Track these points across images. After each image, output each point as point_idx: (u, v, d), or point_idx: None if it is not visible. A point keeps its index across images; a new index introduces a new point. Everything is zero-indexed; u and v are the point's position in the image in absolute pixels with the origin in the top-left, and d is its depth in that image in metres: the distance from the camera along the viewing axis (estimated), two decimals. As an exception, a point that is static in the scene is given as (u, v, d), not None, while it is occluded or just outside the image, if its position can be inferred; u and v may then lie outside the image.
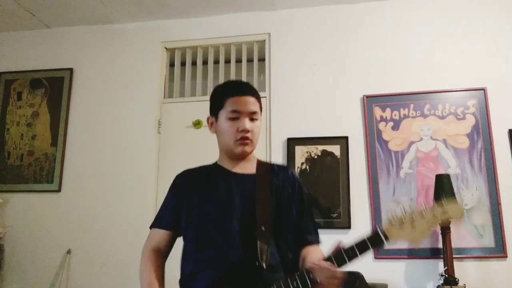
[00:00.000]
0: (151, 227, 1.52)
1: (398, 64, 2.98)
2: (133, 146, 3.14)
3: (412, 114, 2.87)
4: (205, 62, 3.36)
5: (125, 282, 2.90)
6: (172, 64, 3.41)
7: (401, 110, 2.88)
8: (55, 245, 3.03)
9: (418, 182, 2.75)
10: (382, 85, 2.94)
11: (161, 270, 1.47)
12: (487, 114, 2.76)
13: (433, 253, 2.61)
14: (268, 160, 1.62)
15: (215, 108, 1.51)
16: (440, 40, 2.96)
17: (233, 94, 1.46)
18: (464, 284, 2.40)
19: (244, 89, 1.49)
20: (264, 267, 1.27)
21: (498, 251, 2.57)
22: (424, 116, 2.84)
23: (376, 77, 2.97)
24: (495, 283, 2.54)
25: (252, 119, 1.44)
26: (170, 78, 3.39)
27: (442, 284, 2.40)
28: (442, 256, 2.50)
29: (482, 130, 2.76)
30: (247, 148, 1.43)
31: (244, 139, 1.41)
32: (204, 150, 3.09)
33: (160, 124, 3.18)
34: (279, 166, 1.55)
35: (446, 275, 2.40)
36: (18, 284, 3.01)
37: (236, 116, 1.43)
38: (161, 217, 1.50)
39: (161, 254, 1.48)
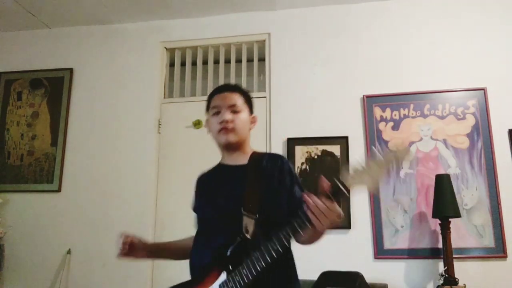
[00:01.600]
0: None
1: (398, 64, 2.98)
2: (133, 146, 3.14)
3: (412, 114, 2.87)
4: (205, 62, 3.36)
5: (125, 282, 2.90)
6: (172, 64, 3.40)
7: (401, 110, 2.88)
8: (55, 245, 3.03)
9: (418, 182, 2.75)
10: (382, 85, 2.94)
11: (184, 243, 1.73)
12: (487, 114, 2.76)
13: (433, 253, 2.61)
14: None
15: (206, 111, 1.63)
16: (440, 40, 2.96)
17: (214, 93, 1.60)
18: (464, 284, 2.40)
19: (223, 87, 1.63)
20: (249, 238, 1.35)
21: (498, 251, 2.57)
22: (424, 116, 2.84)
23: (376, 77, 2.97)
24: (495, 283, 2.54)
25: (234, 112, 1.54)
26: (170, 78, 3.39)
27: (442, 284, 2.40)
28: (442, 256, 2.50)
29: (482, 130, 2.76)
30: (230, 137, 1.52)
31: (224, 128, 1.51)
32: (204, 150, 3.09)
33: (160, 124, 3.18)
34: (270, 155, 1.66)
35: (446, 275, 2.40)
36: (18, 284, 3.01)
37: (217, 110, 1.55)
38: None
39: None
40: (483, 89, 2.81)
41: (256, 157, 1.57)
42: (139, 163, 3.10)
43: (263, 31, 3.23)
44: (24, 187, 3.18)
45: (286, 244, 1.27)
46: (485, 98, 2.79)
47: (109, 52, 3.37)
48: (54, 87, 3.34)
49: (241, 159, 1.56)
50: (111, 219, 3.02)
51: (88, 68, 3.36)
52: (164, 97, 3.29)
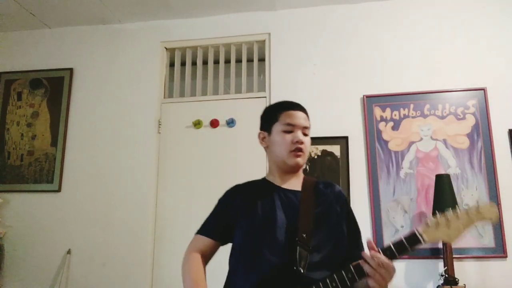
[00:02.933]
0: (197, 233, 1.56)
1: (398, 64, 2.98)
2: (133, 146, 3.14)
3: (412, 114, 2.87)
4: (205, 62, 3.36)
5: (125, 282, 2.90)
6: (172, 64, 3.40)
7: (401, 110, 2.88)
8: (55, 245, 3.03)
9: (418, 182, 2.75)
10: (382, 85, 2.94)
11: (204, 270, 1.50)
12: (487, 114, 2.77)
13: (433, 253, 2.61)
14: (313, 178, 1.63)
15: (269, 122, 1.56)
16: (440, 40, 2.96)
17: (287, 109, 1.53)
18: (464, 284, 2.40)
19: (297, 105, 1.57)
20: (302, 271, 1.30)
21: (498, 251, 2.57)
22: (424, 116, 2.84)
23: (376, 77, 2.97)
24: (495, 283, 2.54)
25: (304, 134, 1.50)
26: (170, 78, 3.39)
27: (442, 284, 2.40)
28: (442, 256, 2.51)
29: (482, 130, 2.76)
30: (300, 160, 1.48)
31: (298, 150, 1.47)
32: (204, 150, 3.11)
33: (160, 124, 3.18)
34: (325, 183, 1.57)
35: (446, 275, 2.40)
36: (18, 284, 3.01)
37: (290, 129, 1.49)
38: (208, 226, 1.55)
39: (203, 258, 1.52)
40: (483, 89, 2.81)
41: (310, 182, 1.53)
42: (139, 163, 3.10)
43: (263, 31, 3.23)
44: (24, 187, 3.18)
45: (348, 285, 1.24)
46: (485, 98, 2.79)
47: (109, 52, 3.37)
48: (54, 87, 3.34)
49: (295, 183, 1.51)
50: (111, 219, 3.02)
51: (88, 68, 3.36)
52: (164, 97, 3.29)
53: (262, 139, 1.58)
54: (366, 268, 1.22)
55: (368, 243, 1.26)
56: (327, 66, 3.05)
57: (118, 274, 2.92)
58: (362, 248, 1.46)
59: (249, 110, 3.07)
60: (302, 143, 1.47)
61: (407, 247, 1.24)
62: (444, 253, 2.46)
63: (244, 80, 3.24)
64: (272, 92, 3.08)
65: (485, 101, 2.79)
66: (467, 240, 2.61)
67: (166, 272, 2.92)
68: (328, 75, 3.04)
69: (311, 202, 1.44)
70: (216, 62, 3.34)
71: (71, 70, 3.36)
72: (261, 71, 3.28)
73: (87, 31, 3.44)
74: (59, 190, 3.13)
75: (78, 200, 3.10)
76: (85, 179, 3.13)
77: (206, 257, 1.52)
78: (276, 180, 1.53)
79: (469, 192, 2.67)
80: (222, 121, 3.11)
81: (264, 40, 3.22)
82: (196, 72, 3.36)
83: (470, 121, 2.79)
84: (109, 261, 2.96)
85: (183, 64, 3.41)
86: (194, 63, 3.40)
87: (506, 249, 2.57)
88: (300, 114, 1.52)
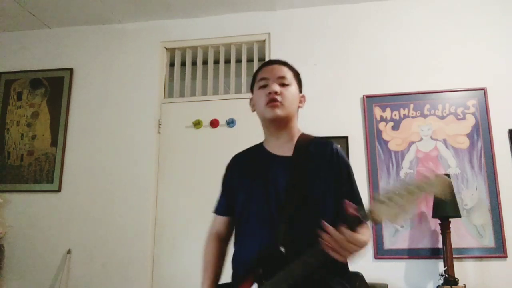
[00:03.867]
0: (213, 212, 1.60)
1: (398, 64, 2.98)
2: (133, 146, 3.14)
3: (412, 114, 2.87)
4: (205, 62, 3.36)
5: (125, 282, 2.90)
6: (172, 64, 3.40)
7: (401, 110, 2.88)
8: (55, 245, 3.03)
9: (418, 182, 2.74)
10: (382, 85, 2.94)
11: (220, 251, 1.53)
12: (487, 114, 2.76)
13: (433, 253, 2.61)
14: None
15: (251, 86, 1.54)
16: (440, 40, 2.96)
17: (261, 67, 1.52)
18: (464, 284, 2.40)
19: (272, 61, 1.54)
20: (283, 251, 1.26)
21: (498, 251, 2.57)
22: (424, 116, 2.84)
23: (376, 77, 2.97)
24: (495, 283, 2.54)
25: (282, 84, 1.44)
26: (170, 78, 3.39)
27: (442, 284, 2.40)
28: (442, 256, 2.50)
29: (482, 130, 2.76)
30: (278, 111, 1.41)
31: (272, 101, 1.41)
32: (204, 150, 3.11)
33: (160, 124, 3.18)
34: (317, 143, 1.48)
35: (446, 275, 2.40)
36: (18, 284, 3.01)
37: (264, 83, 1.45)
38: (219, 204, 1.58)
39: (221, 238, 1.54)
40: (483, 89, 2.81)
41: (302, 146, 1.44)
42: (139, 163, 3.10)
43: (263, 31, 3.23)
44: (24, 187, 3.18)
45: (313, 267, 1.17)
46: (485, 98, 2.79)
47: (109, 52, 3.37)
48: (54, 87, 3.34)
49: (288, 147, 1.44)
50: (111, 219, 3.02)
51: (88, 68, 3.36)
52: (164, 97, 3.29)
53: (252, 106, 1.54)
54: (324, 247, 1.14)
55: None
56: (327, 66, 3.05)
57: (118, 274, 2.92)
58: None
59: (249, 110, 3.04)
60: (275, 93, 1.41)
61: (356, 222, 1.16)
62: (444, 253, 2.46)
63: (244, 80, 3.24)
64: (272, 92, 3.07)
65: (485, 101, 2.78)
66: (467, 240, 2.61)
67: (166, 272, 2.92)
68: (328, 75, 3.04)
69: (300, 169, 1.37)
70: (216, 62, 3.34)
71: (71, 70, 3.36)
72: (261, 71, 3.27)
73: (87, 31, 3.44)
74: (59, 190, 3.13)
75: (78, 200, 3.10)
76: (85, 179, 3.13)
77: (224, 234, 1.54)
78: (269, 145, 1.50)
79: (469, 192, 2.67)
80: (222, 121, 3.10)
81: (264, 40, 3.22)
82: (196, 72, 3.36)
83: (470, 121, 2.79)
84: (109, 261, 2.96)
85: (183, 64, 3.41)
86: (194, 63, 3.40)
87: (506, 249, 2.57)
88: (273, 66, 1.49)
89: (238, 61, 3.32)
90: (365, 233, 1.23)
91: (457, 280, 2.38)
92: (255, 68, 3.26)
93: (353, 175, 1.44)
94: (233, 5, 3.19)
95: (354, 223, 1.13)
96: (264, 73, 1.48)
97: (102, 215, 3.04)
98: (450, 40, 2.95)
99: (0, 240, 3.03)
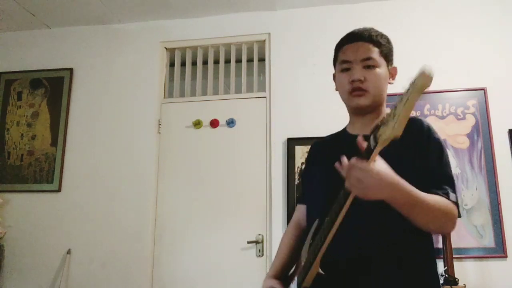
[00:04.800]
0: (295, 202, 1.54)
1: (398, 64, 2.95)
2: (133, 146, 3.14)
3: (412, 114, 2.86)
4: (205, 62, 3.36)
5: (125, 282, 2.91)
6: (172, 64, 3.40)
7: (401, 110, 2.87)
8: (55, 245, 3.03)
9: (418, 182, 2.75)
10: (382, 85, 2.94)
11: (296, 240, 1.41)
12: (487, 114, 2.76)
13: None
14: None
15: (334, 62, 1.41)
16: (440, 40, 2.96)
17: (343, 44, 1.34)
18: (464, 284, 2.40)
19: (354, 35, 1.33)
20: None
21: (498, 251, 2.57)
22: (424, 116, 2.84)
23: (376, 77, 2.96)
24: (495, 283, 2.54)
25: (367, 67, 1.28)
26: (170, 78, 3.39)
27: (442, 284, 2.40)
28: (442, 256, 2.50)
29: (482, 130, 2.76)
30: (362, 100, 1.27)
31: (355, 89, 1.27)
32: (204, 150, 3.11)
33: (160, 124, 3.18)
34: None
35: (446, 275, 2.40)
36: (18, 284, 3.01)
37: (347, 66, 1.30)
38: (300, 193, 1.55)
39: (300, 227, 1.42)
40: (483, 89, 2.81)
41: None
42: (139, 163, 3.10)
43: (263, 31, 3.22)
44: (24, 187, 3.18)
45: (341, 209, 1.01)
46: (485, 98, 2.79)
47: (109, 52, 3.37)
48: (54, 87, 3.34)
49: (372, 124, 1.15)
50: (111, 219, 3.02)
51: (88, 68, 3.36)
52: (164, 97, 3.29)
53: (335, 86, 1.43)
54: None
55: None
56: (327, 66, 3.03)
57: (118, 274, 2.92)
58: (441, 186, 1.13)
59: (249, 110, 3.07)
60: (359, 80, 1.25)
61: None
62: (444, 253, 2.46)
63: (244, 80, 3.24)
64: (272, 92, 3.07)
65: (485, 101, 2.78)
66: (467, 240, 2.61)
67: (166, 272, 2.92)
68: (328, 75, 3.02)
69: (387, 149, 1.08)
70: (216, 62, 3.34)
71: (71, 70, 3.36)
72: (261, 71, 3.27)
73: (87, 31, 3.44)
74: (59, 190, 3.13)
75: (78, 200, 3.10)
76: (85, 179, 3.13)
77: (303, 223, 1.41)
78: (353, 127, 1.37)
79: (469, 192, 2.67)
80: (222, 121, 3.10)
81: (264, 40, 3.22)
82: (196, 72, 3.36)
83: (470, 121, 2.79)
84: (109, 261, 2.96)
85: (183, 64, 3.41)
86: (194, 63, 3.40)
87: (506, 249, 2.57)
88: (356, 45, 1.29)
89: (238, 61, 3.32)
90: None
91: (457, 280, 2.38)
92: (255, 68, 3.30)
93: (444, 154, 1.23)
94: (233, 5, 3.19)
95: (366, 152, 0.98)
96: (346, 55, 1.31)
97: (102, 215, 3.04)
98: (450, 40, 2.95)
99: (0, 240, 3.03)
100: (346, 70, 1.30)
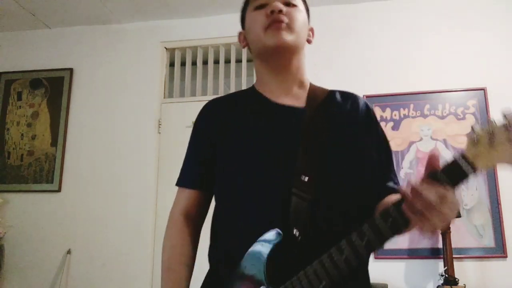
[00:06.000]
0: (176, 184, 1.15)
1: (398, 64, 2.98)
2: (133, 146, 3.14)
3: (412, 114, 2.87)
4: (205, 62, 3.37)
5: (125, 282, 2.91)
6: (172, 64, 3.41)
7: (401, 110, 2.88)
8: (55, 245, 3.03)
9: (418, 182, 2.74)
10: (382, 85, 2.94)
11: (187, 240, 1.11)
12: (487, 114, 2.77)
13: (433, 253, 2.61)
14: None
15: (242, 13, 1.14)
16: (440, 40, 2.96)
17: None
18: (464, 284, 2.40)
19: None
20: (298, 236, 0.88)
21: (498, 251, 2.57)
22: (424, 116, 2.84)
23: (376, 77, 2.97)
24: (495, 283, 2.54)
25: (287, 4, 1.04)
26: (170, 78, 3.39)
27: (442, 284, 2.40)
28: (442, 256, 2.50)
29: (482, 130, 2.75)
30: (284, 35, 1.01)
31: (276, 21, 1.00)
32: (204, 150, 3.11)
33: (160, 124, 3.18)
34: (343, 94, 1.12)
35: (446, 275, 2.40)
36: (18, 284, 3.01)
37: (262, 2, 1.04)
38: (184, 173, 1.15)
39: (191, 220, 1.11)
40: (483, 89, 2.81)
41: (318, 95, 1.06)
42: (139, 163, 3.10)
43: (263, 31, 3.22)
44: (24, 187, 3.18)
45: (366, 255, 0.83)
46: (485, 98, 2.79)
47: (109, 52, 3.37)
48: (54, 87, 3.34)
49: (297, 95, 1.05)
50: (111, 219, 3.02)
51: (88, 68, 3.36)
52: (164, 97, 3.29)
53: (243, 40, 1.14)
54: (406, 210, 0.79)
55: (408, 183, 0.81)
56: (327, 66, 3.05)
57: (118, 274, 2.92)
58: (396, 179, 1.07)
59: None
60: (280, 11, 1.00)
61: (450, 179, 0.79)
62: (444, 253, 2.46)
63: (244, 80, 3.24)
64: (272, 92, 3.07)
65: (485, 101, 2.78)
66: (467, 240, 2.61)
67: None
68: (328, 75, 3.03)
69: (319, 124, 0.98)
70: (216, 62, 3.34)
71: (71, 70, 3.36)
72: (261, 71, 3.27)
73: (87, 31, 3.44)
74: (59, 190, 3.13)
75: (78, 200, 3.10)
76: (85, 179, 3.13)
77: (194, 215, 1.11)
78: (268, 90, 1.07)
79: (469, 192, 2.67)
80: (222, 121, 3.10)
81: (264, 40, 3.22)
82: (196, 72, 3.36)
83: (470, 121, 2.79)
84: (109, 261, 2.96)
85: (183, 64, 3.41)
86: (194, 63, 3.40)
87: (506, 249, 2.57)
88: None
89: (238, 61, 3.32)
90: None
91: (457, 280, 2.38)
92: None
93: (388, 141, 1.10)
94: (233, 5, 3.17)
95: (453, 176, 0.75)
96: None
97: (102, 215, 3.04)
98: (450, 40, 2.95)
99: (0, 240, 3.03)
100: (262, 7, 1.04)
